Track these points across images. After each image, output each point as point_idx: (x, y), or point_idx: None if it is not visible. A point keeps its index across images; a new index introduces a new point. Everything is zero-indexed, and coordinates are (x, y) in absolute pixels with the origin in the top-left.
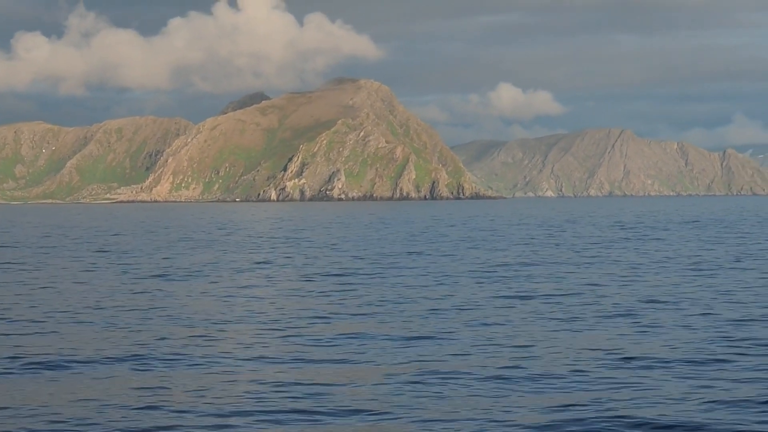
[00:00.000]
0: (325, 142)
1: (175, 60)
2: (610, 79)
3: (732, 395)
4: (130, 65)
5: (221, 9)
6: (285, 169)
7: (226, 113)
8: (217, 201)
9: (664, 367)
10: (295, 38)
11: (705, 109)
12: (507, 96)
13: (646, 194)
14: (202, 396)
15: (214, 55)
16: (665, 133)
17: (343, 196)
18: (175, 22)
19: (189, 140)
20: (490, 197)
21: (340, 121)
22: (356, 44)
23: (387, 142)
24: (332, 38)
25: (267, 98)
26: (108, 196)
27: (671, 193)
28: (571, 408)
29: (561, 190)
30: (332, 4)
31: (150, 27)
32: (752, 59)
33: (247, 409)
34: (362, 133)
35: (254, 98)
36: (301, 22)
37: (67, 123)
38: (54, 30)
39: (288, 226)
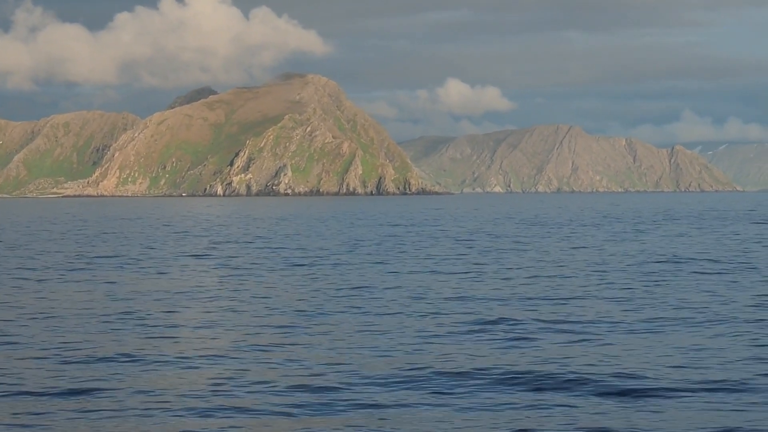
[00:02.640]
0: (271, 137)
1: (122, 55)
2: (559, 76)
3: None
4: (78, 60)
5: (168, 4)
6: (232, 164)
7: (173, 108)
8: (164, 196)
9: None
10: (242, 33)
11: (654, 106)
12: (455, 92)
13: (594, 190)
14: None
15: (161, 50)
16: (614, 130)
17: (289, 191)
18: (122, 17)
19: (136, 135)
20: (436, 193)
21: (287, 117)
22: (303, 39)
23: (334, 137)
24: (279, 33)
25: (214, 93)
26: (55, 190)
27: (619, 190)
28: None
29: (509, 186)
30: None
31: (97, 22)
32: (701, 57)
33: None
34: (309, 129)
35: (201, 93)
36: (247, 17)
37: (14, 117)
38: (1, 24)
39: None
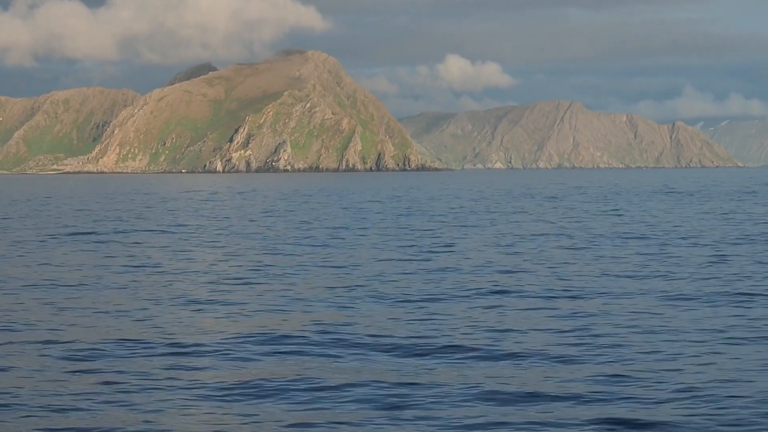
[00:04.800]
0: (271, 113)
1: (121, 31)
2: (560, 52)
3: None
4: (77, 36)
5: None
6: (231, 141)
7: (173, 84)
8: (163, 172)
9: None
10: (241, 8)
11: (655, 82)
12: (455, 68)
13: (595, 166)
14: None
15: (160, 26)
16: (615, 106)
17: (289, 167)
18: None
19: (136, 111)
20: (436, 169)
21: (286, 93)
22: (302, 15)
23: (333, 113)
24: (278, 9)
25: (214, 69)
26: (55, 167)
27: (620, 166)
28: None
29: (510, 162)
30: None
31: None
32: (702, 33)
33: None
34: (308, 105)
35: (201, 69)
36: None
37: (14, 94)
38: (0, 1)
39: None
